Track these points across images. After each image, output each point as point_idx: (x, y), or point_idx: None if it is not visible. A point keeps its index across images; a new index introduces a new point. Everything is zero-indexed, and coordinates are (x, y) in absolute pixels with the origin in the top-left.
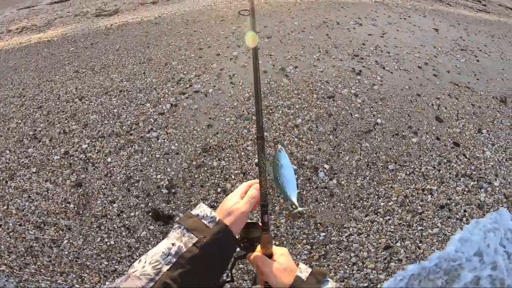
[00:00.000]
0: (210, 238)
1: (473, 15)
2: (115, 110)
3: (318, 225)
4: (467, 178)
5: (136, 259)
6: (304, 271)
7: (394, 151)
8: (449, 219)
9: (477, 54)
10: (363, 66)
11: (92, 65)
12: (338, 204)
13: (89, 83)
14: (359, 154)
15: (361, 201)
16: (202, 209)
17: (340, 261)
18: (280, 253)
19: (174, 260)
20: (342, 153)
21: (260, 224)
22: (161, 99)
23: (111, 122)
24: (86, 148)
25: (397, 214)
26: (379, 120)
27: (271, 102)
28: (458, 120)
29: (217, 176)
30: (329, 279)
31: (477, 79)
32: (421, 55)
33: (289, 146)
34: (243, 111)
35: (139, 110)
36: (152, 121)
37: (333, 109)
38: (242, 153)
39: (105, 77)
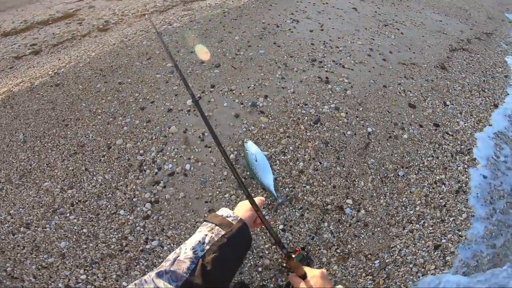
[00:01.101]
0: (235, 231)
1: None
2: (85, 231)
3: (369, 256)
4: (461, 154)
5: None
6: None
7: (396, 156)
8: (467, 201)
9: (397, 27)
10: (326, 71)
11: (5, 174)
12: (375, 229)
13: (20, 203)
14: (370, 174)
15: (393, 218)
16: (225, 211)
17: (403, 275)
18: (312, 275)
19: (207, 247)
20: (356, 180)
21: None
22: (134, 199)
23: (91, 245)
24: (86, 279)
25: (428, 215)
26: (369, 129)
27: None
28: (426, 100)
29: None
30: None
31: (413, 53)
32: (362, 41)
33: (305, 197)
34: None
35: (116, 222)
36: (141, 229)
37: (325, 135)
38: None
39: (36, 190)
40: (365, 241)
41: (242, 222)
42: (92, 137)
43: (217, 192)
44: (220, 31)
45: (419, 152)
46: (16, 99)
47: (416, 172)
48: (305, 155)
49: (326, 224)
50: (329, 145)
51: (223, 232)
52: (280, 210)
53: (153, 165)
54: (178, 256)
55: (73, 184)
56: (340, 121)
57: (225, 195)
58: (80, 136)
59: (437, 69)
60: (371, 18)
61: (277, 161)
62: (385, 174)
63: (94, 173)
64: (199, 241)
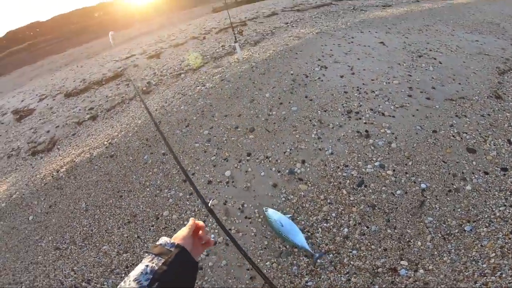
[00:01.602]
0: (173, 257)
1: (387, 14)
2: None
3: None
4: None
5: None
6: None
7: (459, 210)
8: None
9: (433, 56)
10: (365, 123)
11: (70, 237)
12: (439, 287)
13: (83, 262)
14: (428, 233)
15: (461, 274)
16: (163, 240)
17: None
18: None
19: (150, 276)
20: (411, 241)
21: None
22: None
23: None
24: None
25: (505, 266)
26: (423, 185)
27: (303, 223)
28: (486, 141)
29: None
30: None
31: (459, 84)
32: (399, 80)
33: (352, 262)
34: (278, 247)
35: None
36: None
37: (371, 197)
38: None
39: (96, 252)
40: None
41: (180, 247)
42: (142, 208)
43: (258, 260)
44: (250, 89)
45: (487, 203)
46: (79, 170)
47: (487, 224)
48: (349, 221)
49: (377, 287)
50: (376, 208)
51: (163, 261)
52: (324, 276)
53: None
54: None
55: (127, 249)
56: (387, 180)
57: (266, 263)
58: (132, 207)
59: (491, 99)
60: (402, 50)
61: (319, 229)
62: (448, 231)
63: (145, 240)
64: (141, 272)
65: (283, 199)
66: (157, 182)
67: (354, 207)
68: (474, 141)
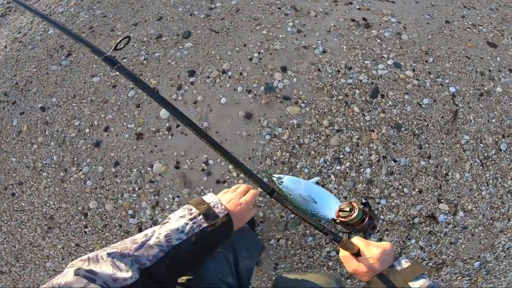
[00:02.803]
0: (218, 226)
1: None
2: None
3: (467, 260)
4: None
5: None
6: (403, 264)
7: (493, 121)
8: None
9: None
10: (359, 9)
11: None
12: (476, 230)
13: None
14: (466, 159)
15: (498, 211)
16: (212, 198)
17: (504, 269)
18: (370, 255)
19: (184, 237)
20: (449, 173)
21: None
22: None
23: None
24: None
25: None
26: (452, 89)
27: (307, 171)
28: (504, 36)
29: None
30: (426, 276)
31: None
32: None
33: (381, 218)
34: (280, 216)
35: None
36: None
37: (393, 112)
38: None
39: (43, 270)
40: (463, 246)
41: (228, 217)
42: (54, 204)
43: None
44: None
45: None
46: None
47: None
48: (370, 155)
49: (413, 241)
50: (402, 128)
51: (205, 225)
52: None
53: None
54: (148, 241)
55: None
56: (408, 85)
57: (271, 242)
58: (38, 205)
59: None
60: None
61: (331, 176)
62: (485, 154)
63: (90, 247)
64: (177, 229)
65: (267, 137)
66: (53, 158)
67: (374, 131)
68: (492, 34)
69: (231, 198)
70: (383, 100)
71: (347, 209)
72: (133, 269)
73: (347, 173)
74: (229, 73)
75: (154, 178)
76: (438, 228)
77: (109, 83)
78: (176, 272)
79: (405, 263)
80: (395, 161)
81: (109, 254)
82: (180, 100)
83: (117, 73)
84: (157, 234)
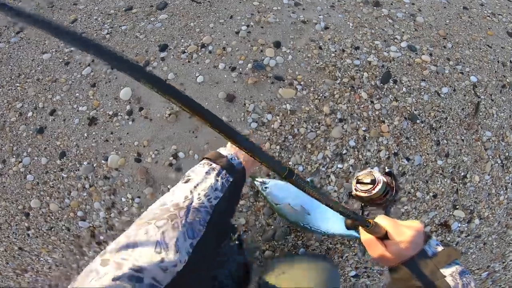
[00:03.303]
0: (239, 178)
1: None
2: None
3: (475, 271)
4: None
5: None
6: (435, 248)
7: None
8: None
9: None
10: None
11: None
12: (489, 238)
13: None
14: (487, 159)
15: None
16: (229, 151)
17: (510, 279)
18: (401, 239)
19: (220, 195)
20: (467, 175)
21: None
22: None
23: None
24: None
25: None
26: (473, 78)
27: (301, 169)
28: None
29: None
30: (459, 262)
31: None
32: None
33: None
34: (266, 224)
35: None
36: None
37: (407, 101)
38: None
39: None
40: (474, 256)
41: (242, 167)
42: None
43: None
44: None
45: None
46: None
47: None
48: (379, 151)
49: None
50: (418, 120)
51: (231, 179)
52: (348, 254)
53: (110, 231)
54: (192, 203)
55: (26, 268)
56: (425, 71)
57: (256, 254)
58: None
59: None
60: None
61: (331, 176)
62: (506, 153)
63: (35, 252)
64: (211, 186)
65: (253, 125)
66: None
67: (384, 122)
68: (511, 25)
69: (237, 149)
70: (396, 86)
71: (368, 180)
72: (188, 242)
73: (350, 172)
74: (210, 47)
75: (109, 174)
76: (450, 238)
77: (61, 60)
78: (221, 233)
79: (437, 247)
80: (408, 159)
81: (158, 228)
82: None
83: (72, 49)
84: (197, 194)
